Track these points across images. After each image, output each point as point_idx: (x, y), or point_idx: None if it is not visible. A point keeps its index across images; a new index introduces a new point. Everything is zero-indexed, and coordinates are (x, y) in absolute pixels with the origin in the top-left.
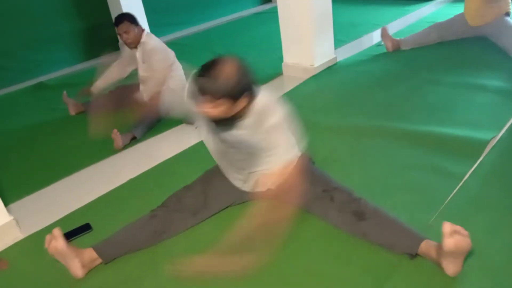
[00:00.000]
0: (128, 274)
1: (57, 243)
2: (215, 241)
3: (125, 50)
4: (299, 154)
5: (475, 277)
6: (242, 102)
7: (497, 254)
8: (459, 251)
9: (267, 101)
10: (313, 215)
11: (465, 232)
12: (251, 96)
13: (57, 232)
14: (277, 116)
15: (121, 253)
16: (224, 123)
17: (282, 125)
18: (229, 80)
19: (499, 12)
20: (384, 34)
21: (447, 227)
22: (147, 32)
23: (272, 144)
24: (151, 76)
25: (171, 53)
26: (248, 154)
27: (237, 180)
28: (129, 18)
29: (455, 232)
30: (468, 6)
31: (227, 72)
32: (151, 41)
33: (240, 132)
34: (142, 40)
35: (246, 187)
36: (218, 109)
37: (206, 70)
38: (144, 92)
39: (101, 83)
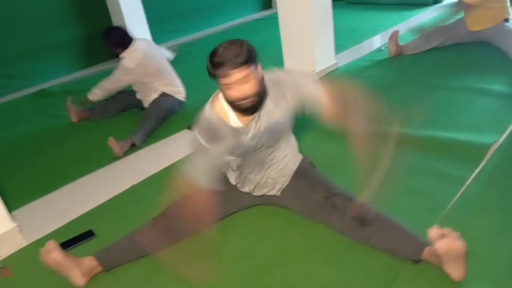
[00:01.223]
0: (130, 281)
1: (54, 254)
2: (216, 246)
3: None
4: None
5: (479, 281)
6: (259, 67)
7: (501, 257)
8: (452, 253)
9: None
10: (316, 222)
11: (454, 234)
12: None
13: (52, 244)
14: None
15: (123, 261)
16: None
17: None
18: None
19: (496, 19)
20: (393, 37)
21: (432, 233)
22: (135, 44)
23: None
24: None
25: (147, 66)
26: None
27: (250, 184)
28: (106, 39)
29: (442, 235)
30: (469, 12)
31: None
32: (126, 58)
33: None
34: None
35: (257, 192)
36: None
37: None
38: (144, 99)
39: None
